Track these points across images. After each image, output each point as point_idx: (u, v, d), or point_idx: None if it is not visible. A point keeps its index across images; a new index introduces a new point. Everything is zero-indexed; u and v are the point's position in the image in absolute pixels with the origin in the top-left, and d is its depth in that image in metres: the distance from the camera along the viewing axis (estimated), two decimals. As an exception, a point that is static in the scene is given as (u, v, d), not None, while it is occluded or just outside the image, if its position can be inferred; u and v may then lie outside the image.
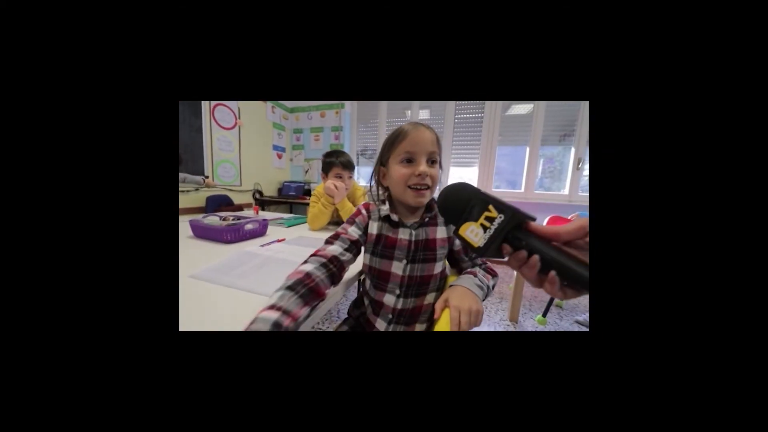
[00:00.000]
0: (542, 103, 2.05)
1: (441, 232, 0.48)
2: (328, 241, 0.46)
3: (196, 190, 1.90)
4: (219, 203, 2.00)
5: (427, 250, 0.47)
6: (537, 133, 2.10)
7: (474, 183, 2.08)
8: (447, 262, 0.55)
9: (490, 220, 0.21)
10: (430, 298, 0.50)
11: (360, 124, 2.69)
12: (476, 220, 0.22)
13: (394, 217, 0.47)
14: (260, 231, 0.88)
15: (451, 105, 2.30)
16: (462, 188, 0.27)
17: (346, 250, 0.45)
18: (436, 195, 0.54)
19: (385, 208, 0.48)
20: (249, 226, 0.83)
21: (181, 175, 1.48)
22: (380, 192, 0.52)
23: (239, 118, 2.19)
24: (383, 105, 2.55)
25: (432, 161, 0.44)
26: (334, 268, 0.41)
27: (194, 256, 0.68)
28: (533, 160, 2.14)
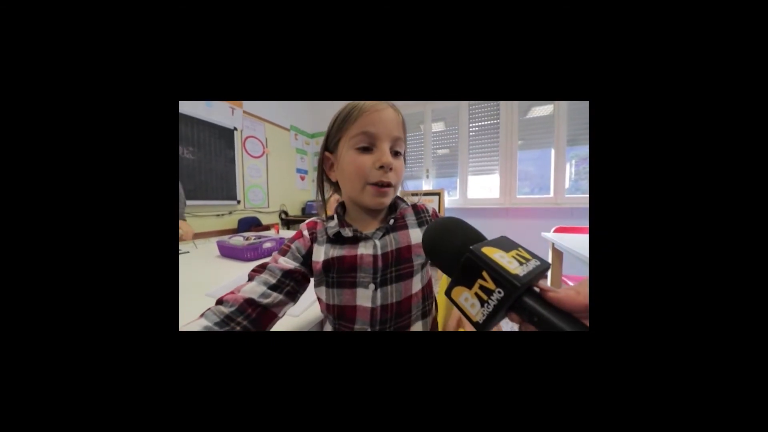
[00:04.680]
0: (563, 103, 1.94)
1: (416, 236, 0.35)
2: (250, 276, 0.34)
3: (230, 213, 2.10)
4: (249, 225, 2.18)
5: (401, 263, 0.33)
6: (561, 134, 1.97)
7: (496, 190, 1.91)
8: (434, 271, 0.39)
9: (487, 292, 0.16)
10: (416, 328, 0.35)
11: (375, 142, 2.80)
12: (470, 287, 0.17)
13: (347, 232, 0.34)
14: (277, 249, 0.94)
15: (464, 114, 2.29)
16: (453, 229, 0.21)
17: (274, 287, 0.32)
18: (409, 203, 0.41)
19: (333, 225, 0.35)
20: (267, 245, 0.89)
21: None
22: (325, 192, 0.38)
23: (267, 147, 2.43)
24: (397, 122, 2.63)
25: (396, 149, 0.33)
26: (247, 322, 0.29)
27: (218, 274, 0.75)
28: (560, 162, 1.99)
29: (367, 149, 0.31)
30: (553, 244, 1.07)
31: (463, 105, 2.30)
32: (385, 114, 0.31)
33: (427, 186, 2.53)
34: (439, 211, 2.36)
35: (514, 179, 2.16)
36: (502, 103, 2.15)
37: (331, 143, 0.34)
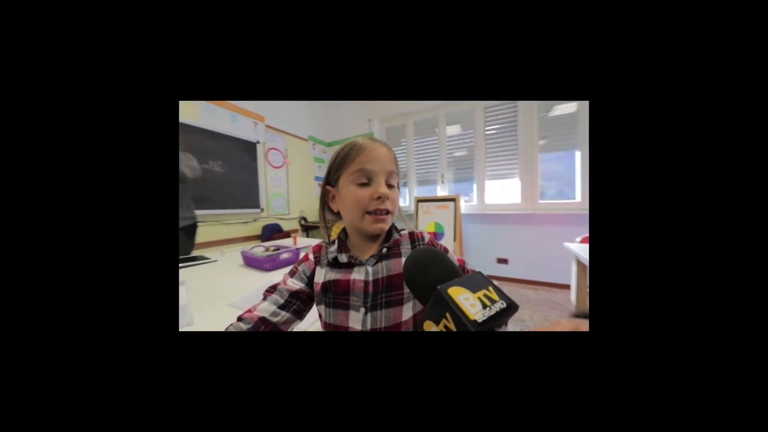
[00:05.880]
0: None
1: None
2: (264, 295, 0.39)
3: (254, 220, 2.25)
4: (272, 231, 2.31)
5: (392, 290, 0.36)
6: (587, 133, 1.84)
7: (517, 196, 1.76)
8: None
9: (449, 331, 0.17)
10: None
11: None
12: (437, 324, 0.18)
13: (342, 258, 0.38)
14: (294, 259, 0.99)
15: (479, 117, 2.24)
16: (427, 263, 0.22)
17: (282, 306, 0.37)
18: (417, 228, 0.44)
19: (333, 250, 0.39)
20: (284, 256, 0.94)
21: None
22: (327, 221, 0.42)
23: (287, 157, 2.56)
24: (410, 125, 2.64)
25: (390, 184, 0.37)
26: None
27: (240, 284, 0.81)
28: (586, 164, 1.85)
29: (365, 184, 0.35)
30: (576, 257, 1.00)
31: (478, 107, 2.24)
32: (379, 152, 0.36)
33: (442, 191, 2.50)
34: (455, 217, 2.26)
35: (536, 183, 2.04)
36: (520, 102, 2.06)
37: (332, 179, 0.39)
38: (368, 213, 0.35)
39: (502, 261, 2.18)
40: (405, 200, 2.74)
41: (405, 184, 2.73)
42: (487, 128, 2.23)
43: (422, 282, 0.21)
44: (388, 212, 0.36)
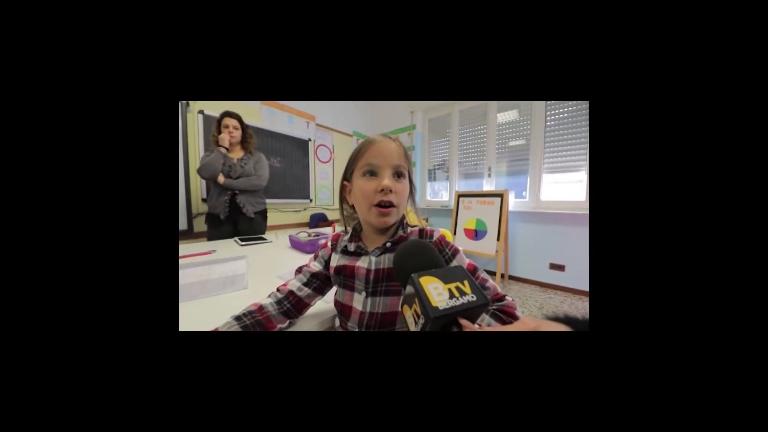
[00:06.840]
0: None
1: None
2: (295, 273, 0.47)
3: (305, 209, 2.53)
4: (318, 219, 2.57)
5: (391, 280, 0.39)
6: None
7: (581, 193, 1.69)
8: None
9: (417, 315, 0.18)
10: None
11: (432, 139, 2.74)
12: (410, 307, 0.20)
13: (351, 247, 0.42)
14: (331, 245, 1.10)
15: (540, 103, 1.95)
16: (412, 254, 0.24)
17: (305, 284, 0.44)
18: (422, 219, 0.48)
19: (346, 239, 0.44)
20: (322, 241, 1.05)
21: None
22: (345, 212, 0.46)
23: (333, 152, 2.77)
24: (455, 114, 2.49)
25: (399, 175, 0.39)
26: (289, 304, 0.42)
27: (287, 261, 0.95)
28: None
29: (371, 177, 0.38)
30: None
31: (539, 90, 1.95)
32: (386, 147, 0.38)
33: (488, 186, 2.31)
34: (501, 215, 2.07)
35: (610, 177, 1.69)
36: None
37: (347, 173, 0.42)
38: (374, 206, 0.37)
39: (557, 267, 1.90)
40: (446, 194, 2.64)
41: (447, 178, 2.63)
42: (550, 113, 1.93)
43: (405, 270, 0.22)
44: (392, 205, 0.37)
